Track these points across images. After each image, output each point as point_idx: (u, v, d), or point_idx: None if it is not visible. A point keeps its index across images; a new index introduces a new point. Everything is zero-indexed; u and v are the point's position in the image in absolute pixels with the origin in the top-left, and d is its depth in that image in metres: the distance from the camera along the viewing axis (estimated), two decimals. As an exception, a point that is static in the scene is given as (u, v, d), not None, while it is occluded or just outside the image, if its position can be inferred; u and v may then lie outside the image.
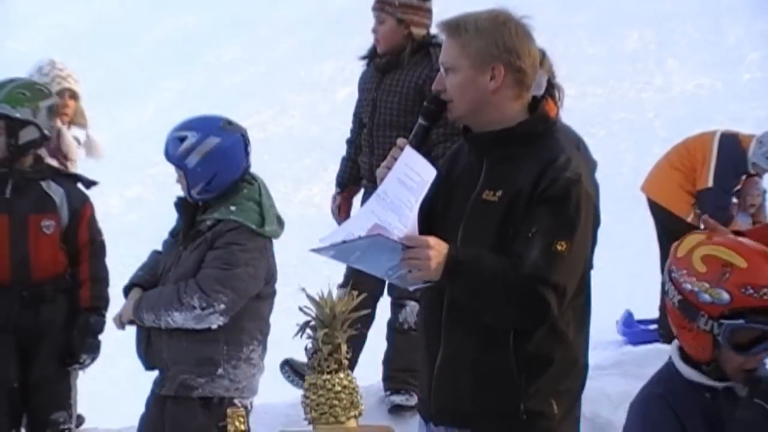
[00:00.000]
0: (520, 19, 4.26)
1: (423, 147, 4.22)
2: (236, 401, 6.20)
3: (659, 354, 8.65)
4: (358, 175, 7.87)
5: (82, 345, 6.79)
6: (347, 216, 7.94)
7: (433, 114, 4.27)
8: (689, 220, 10.20)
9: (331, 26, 20.02)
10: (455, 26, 4.24)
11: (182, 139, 6.18)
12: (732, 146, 10.23)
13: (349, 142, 7.92)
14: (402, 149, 4.12)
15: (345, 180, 7.92)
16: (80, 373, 7.13)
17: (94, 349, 6.85)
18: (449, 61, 4.23)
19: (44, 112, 6.89)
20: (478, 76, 4.19)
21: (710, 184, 10.13)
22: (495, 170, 4.17)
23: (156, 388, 6.36)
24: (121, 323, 6.31)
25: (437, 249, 3.93)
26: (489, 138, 4.21)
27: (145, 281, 6.33)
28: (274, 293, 6.38)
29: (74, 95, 8.16)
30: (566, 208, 4.08)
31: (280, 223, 6.38)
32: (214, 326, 6.11)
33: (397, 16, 7.55)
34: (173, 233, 6.53)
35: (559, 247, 4.04)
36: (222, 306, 6.07)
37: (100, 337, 6.91)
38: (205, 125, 6.41)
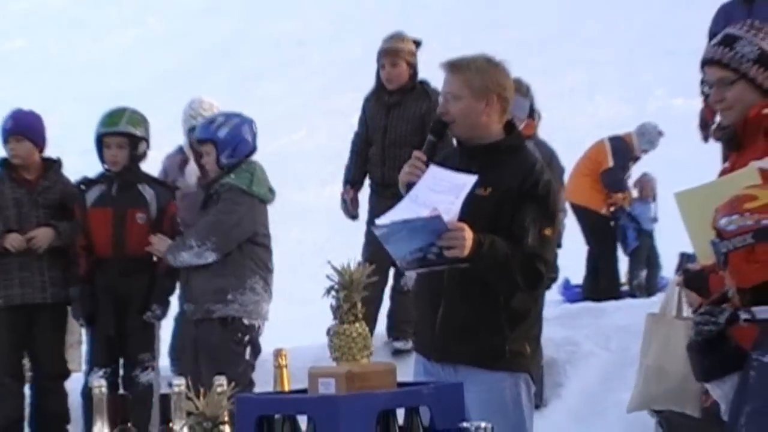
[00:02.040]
0: (505, 62, 4.30)
1: (433, 156, 4.31)
2: (245, 320, 6.37)
3: (587, 309, 8.67)
4: (363, 177, 7.84)
5: (155, 298, 6.78)
6: (357, 207, 7.92)
7: (440, 131, 4.33)
8: (603, 212, 10.37)
9: (348, 70, 19.98)
10: (461, 66, 4.26)
11: (212, 121, 6.46)
12: (620, 143, 10.62)
13: (354, 153, 7.88)
14: (421, 160, 4.18)
15: (354, 179, 7.89)
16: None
17: (164, 303, 6.84)
18: (454, 91, 4.23)
19: (149, 132, 6.93)
20: (476, 103, 4.21)
21: (610, 164, 10.50)
22: (484, 172, 4.16)
23: (186, 316, 6.51)
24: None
25: (469, 233, 3.95)
26: (482, 149, 4.23)
27: None
28: (268, 244, 6.50)
29: None
30: (548, 203, 4.17)
31: (272, 192, 6.57)
32: (210, 260, 6.32)
33: (408, 60, 7.53)
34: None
35: (547, 232, 4.12)
36: (211, 244, 6.26)
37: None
38: (227, 113, 6.77)
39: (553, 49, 20.89)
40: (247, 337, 6.51)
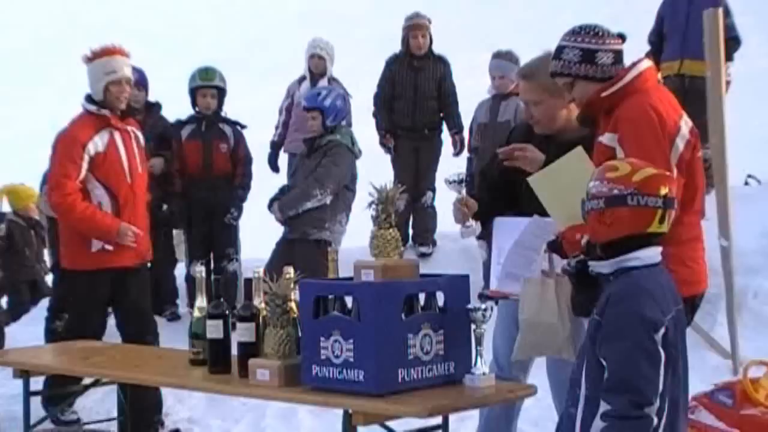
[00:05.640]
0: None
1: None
2: (333, 244, 7.36)
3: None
4: (392, 122, 9.05)
5: (232, 204, 8.18)
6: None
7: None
8: None
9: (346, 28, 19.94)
10: (533, 72, 4.56)
11: (318, 94, 7.63)
12: None
13: (380, 108, 9.11)
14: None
15: (388, 127, 9.08)
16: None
17: (238, 208, 8.22)
18: (535, 98, 4.55)
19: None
20: (555, 101, 4.54)
21: None
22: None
23: (286, 235, 7.52)
24: (280, 221, 7.58)
25: None
26: (574, 144, 4.25)
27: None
28: (355, 189, 7.63)
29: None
30: None
31: (360, 152, 7.61)
32: (327, 202, 7.38)
33: (428, 34, 8.88)
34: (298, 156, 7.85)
35: None
36: (330, 190, 7.37)
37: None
38: (328, 87, 8.01)
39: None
40: None
